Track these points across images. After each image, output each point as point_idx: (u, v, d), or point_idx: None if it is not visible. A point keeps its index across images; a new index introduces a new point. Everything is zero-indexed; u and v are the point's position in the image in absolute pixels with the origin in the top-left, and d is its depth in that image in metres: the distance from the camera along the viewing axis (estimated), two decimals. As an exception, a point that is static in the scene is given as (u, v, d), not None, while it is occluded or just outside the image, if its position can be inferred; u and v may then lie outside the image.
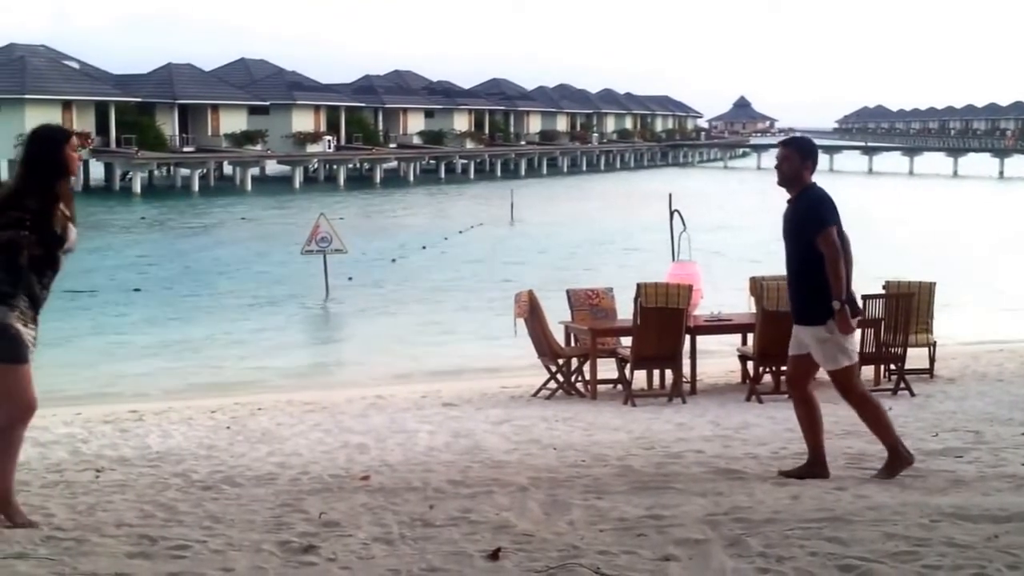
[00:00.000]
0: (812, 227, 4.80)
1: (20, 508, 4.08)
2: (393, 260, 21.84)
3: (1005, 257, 22.05)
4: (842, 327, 4.76)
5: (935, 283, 8.95)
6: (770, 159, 74.38)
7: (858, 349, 5.00)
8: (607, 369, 8.57)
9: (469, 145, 59.90)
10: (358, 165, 53.70)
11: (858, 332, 7.15)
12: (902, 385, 8.15)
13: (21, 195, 3.95)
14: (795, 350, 5.00)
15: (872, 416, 4.95)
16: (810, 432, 5.00)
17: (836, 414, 7.20)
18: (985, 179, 56.38)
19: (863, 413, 4.98)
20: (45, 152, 4.03)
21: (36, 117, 40.28)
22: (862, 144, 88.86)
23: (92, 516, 4.33)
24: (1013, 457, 5.28)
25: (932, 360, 8.82)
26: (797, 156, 4.91)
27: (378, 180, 50.59)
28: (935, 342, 8.86)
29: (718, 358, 9.76)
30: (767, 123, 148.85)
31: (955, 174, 60.76)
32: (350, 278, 18.37)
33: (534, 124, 69.02)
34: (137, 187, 41.52)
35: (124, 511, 4.43)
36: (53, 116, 40.95)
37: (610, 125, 79.22)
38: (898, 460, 4.86)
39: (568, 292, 8.92)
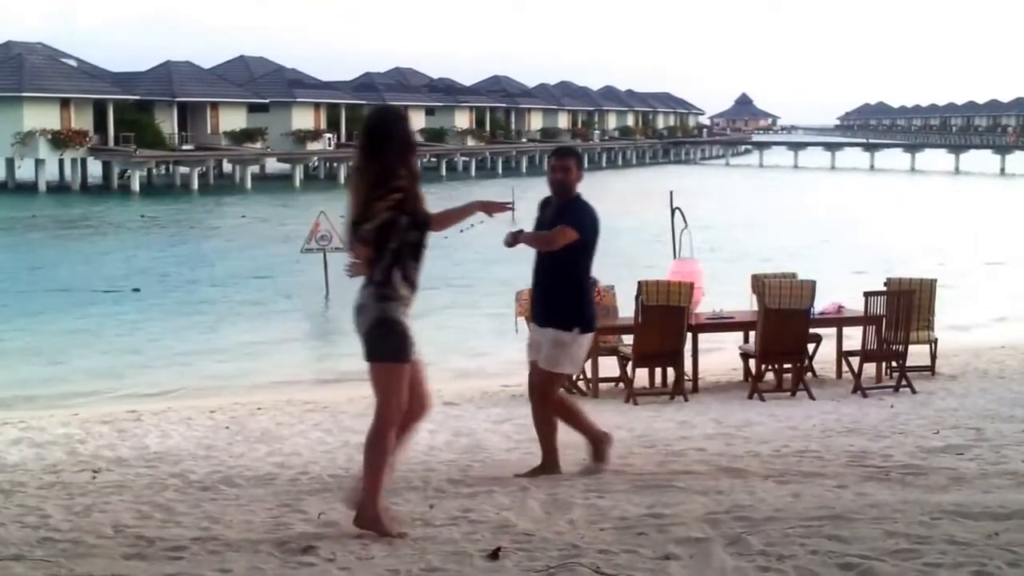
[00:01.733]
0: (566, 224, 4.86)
1: (389, 518, 3.79)
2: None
3: (1007, 254, 22.02)
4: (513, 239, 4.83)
5: (936, 280, 8.94)
6: (772, 157, 73.69)
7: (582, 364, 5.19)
8: (609, 367, 8.55)
9: (470, 143, 59.87)
10: (359, 163, 53.59)
11: (861, 330, 7.01)
12: (904, 382, 8.14)
13: (393, 174, 3.72)
14: (535, 355, 5.03)
15: (571, 419, 5.05)
16: (551, 433, 5.02)
17: (838, 411, 7.20)
18: (986, 176, 56.33)
19: (562, 416, 5.04)
20: (397, 129, 3.81)
21: (34, 115, 40.37)
22: (864, 141, 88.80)
23: (89, 517, 4.31)
24: (1014, 454, 5.27)
25: (933, 357, 8.81)
26: (575, 167, 5.04)
27: (378, 178, 50.47)
28: (936, 339, 8.84)
29: (720, 356, 9.74)
30: (769, 120, 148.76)
31: (957, 171, 60.69)
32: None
33: (535, 121, 68.95)
34: (136, 185, 41.44)
35: (121, 512, 4.41)
36: (51, 114, 40.99)
37: (612, 122, 79.15)
38: (602, 446, 5.02)
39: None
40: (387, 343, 3.75)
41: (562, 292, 4.93)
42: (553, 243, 4.87)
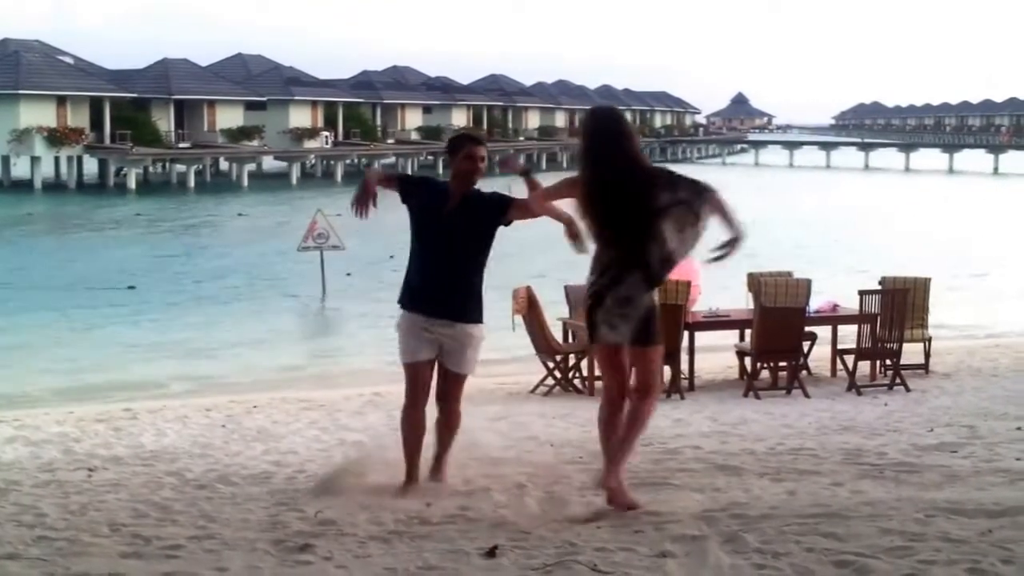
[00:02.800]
0: (499, 209, 4.50)
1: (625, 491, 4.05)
2: (391, 256, 21.80)
3: (1000, 252, 22.08)
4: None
5: (930, 279, 8.96)
6: (768, 156, 73.94)
7: None
8: (604, 365, 8.55)
9: (467, 141, 59.79)
10: (356, 161, 53.60)
11: (856, 328, 7.00)
12: (898, 380, 8.16)
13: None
14: (430, 354, 4.53)
15: (454, 429, 4.69)
16: (418, 446, 4.63)
17: (833, 409, 7.22)
18: (980, 175, 56.44)
19: (451, 423, 4.67)
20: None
21: (30, 113, 40.30)
22: (858, 140, 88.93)
23: (85, 516, 4.31)
24: (1007, 452, 5.28)
25: (927, 355, 8.84)
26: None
27: (375, 176, 50.44)
28: (930, 337, 8.87)
29: (716, 354, 9.76)
30: (764, 119, 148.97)
31: (951, 170, 60.77)
32: (348, 274, 18.34)
33: (533, 120, 68.97)
34: (132, 183, 41.36)
35: (117, 510, 4.41)
36: (47, 112, 40.92)
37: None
38: (436, 471, 4.64)
39: (566, 288, 8.91)
40: (658, 327, 4.14)
41: (474, 281, 4.52)
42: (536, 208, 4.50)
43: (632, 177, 3.96)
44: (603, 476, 4.09)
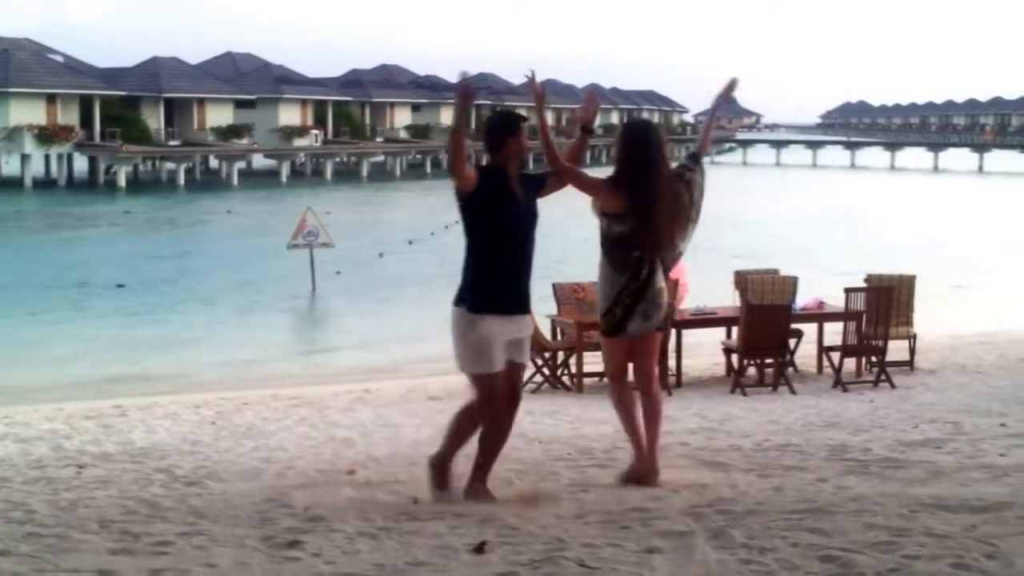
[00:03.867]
0: (540, 187, 4.43)
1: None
2: (380, 255, 21.80)
3: (984, 250, 22.24)
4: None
5: (915, 276, 9.04)
6: (756, 155, 74.17)
7: None
8: (593, 362, 8.60)
9: (456, 139, 59.65)
10: (345, 159, 53.50)
11: (839, 326, 7.02)
12: (883, 377, 8.23)
13: None
14: (509, 355, 4.25)
15: (509, 431, 4.46)
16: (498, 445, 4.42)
17: (818, 405, 7.28)
18: (965, 174, 56.77)
19: (511, 423, 4.44)
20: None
21: (21, 110, 40.08)
22: (845, 139, 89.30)
23: (74, 512, 4.31)
24: (991, 448, 5.33)
25: (912, 352, 8.91)
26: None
27: (365, 174, 50.42)
28: (915, 335, 8.94)
29: (703, 351, 9.81)
30: (752, 118, 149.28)
31: (935, 169, 61.08)
32: (337, 272, 18.33)
33: (521, 118, 69.01)
34: (122, 181, 41.17)
35: (107, 507, 4.41)
36: (38, 110, 40.71)
37: (597, 119, 79.16)
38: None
39: (554, 286, 8.94)
40: None
41: (530, 268, 4.32)
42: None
43: (665, 180, 4.52)
44: (648, 463, 4.60)
